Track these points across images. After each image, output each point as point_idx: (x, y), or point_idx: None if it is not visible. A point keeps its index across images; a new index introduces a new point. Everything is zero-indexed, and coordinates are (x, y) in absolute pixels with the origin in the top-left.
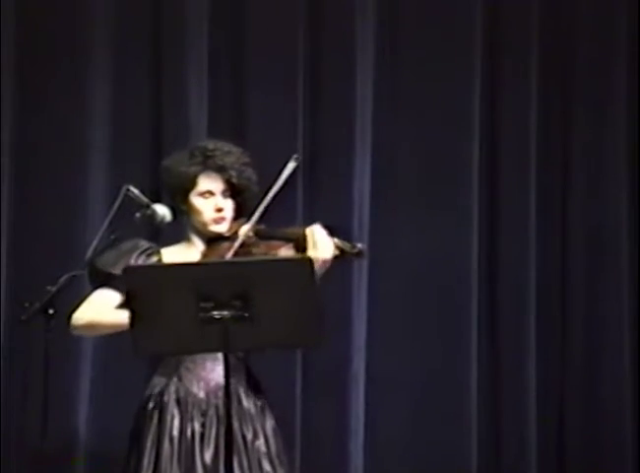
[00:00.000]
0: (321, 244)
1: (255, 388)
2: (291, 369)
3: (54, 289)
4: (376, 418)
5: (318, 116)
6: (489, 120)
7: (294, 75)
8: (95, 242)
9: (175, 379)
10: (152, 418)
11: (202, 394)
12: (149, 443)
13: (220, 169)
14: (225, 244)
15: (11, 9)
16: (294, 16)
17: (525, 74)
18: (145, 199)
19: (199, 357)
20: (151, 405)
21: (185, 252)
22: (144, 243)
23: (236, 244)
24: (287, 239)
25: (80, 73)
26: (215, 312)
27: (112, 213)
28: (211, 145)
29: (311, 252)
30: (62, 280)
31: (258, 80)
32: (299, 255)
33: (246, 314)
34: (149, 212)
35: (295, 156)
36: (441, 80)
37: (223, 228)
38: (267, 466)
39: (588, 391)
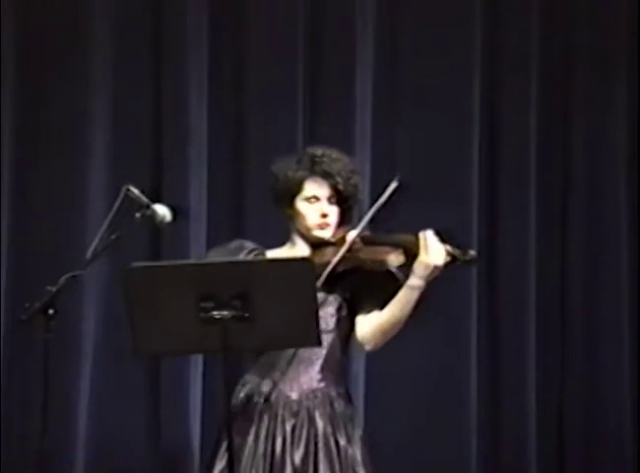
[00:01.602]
0: (433, 250)
1: (346, 394)
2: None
3: (54, 289)
4: (376, 418)
5: (318, 116)
6: (489, 120)
7: (294, 75)
8: (95, 243)
9: (268, 380)
10: (238, 415)
11: (295, 396)
12: (225, 439)
13: (326, 175)
14: (330, 250)
15: (11, 9)
16: (294, 16)
17: (525, 74)
18: (145, 199)
19: (294, 359)
20: (240, 403)
21: (290, 255)
22: (250, 244)
23: (343, 249)
24: (396, 245)
25: (80, 73)
26: (215, 312)
27: (112, 213)
28: (319, 151)
29: (423, 257)
30: (62, 280)
31: (258, 80)
32: (299, 256)
33: (246, 314)
34: (149, 212)
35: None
36: (441, 80)
37: (327, 233)
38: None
39: (587, 391)
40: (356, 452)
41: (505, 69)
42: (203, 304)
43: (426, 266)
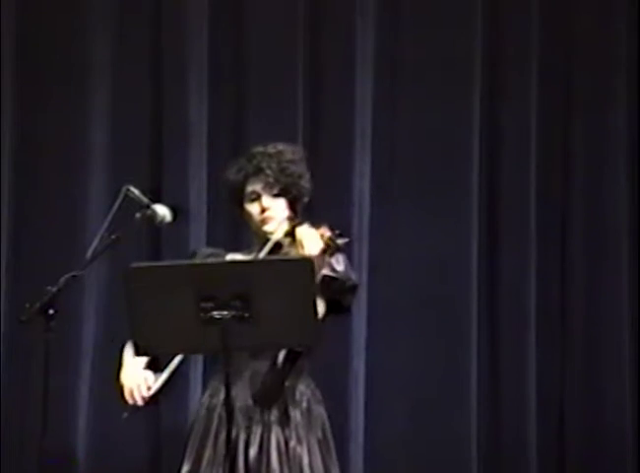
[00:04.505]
0: (306, 242)
1: (305, 395)
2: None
3: (54, 289)
4: (376, 418)
5: (318, 116)
6: (490, 122)
7: (294, 76)
8: (95, 242)
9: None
10: (200, 419)
11: (249, 401)
12: (191, 443)
13: (258, 171)
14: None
15: (11, 9)
16: (294, 16)
17: (525, 74)
18: (145, 199)
19: (250, 364)
20: (201, 406)
21: (245, 258)
22: (205, 250)
23: (269, 244)
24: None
25: (80, 73)
26: (215, 312)
27: (112, 213)
28: (257, 148)
29: (300, 250)
30: (62, 280)
31: (258, 80)
32: (300, 256)
33: (246, 314)
34: (149, 212)
35: None
36: (441, 81)
37: (273, 227)
38: None
39: (588, 391)
40: (304, 454)
41: (505, 70)
42: (203, 305)
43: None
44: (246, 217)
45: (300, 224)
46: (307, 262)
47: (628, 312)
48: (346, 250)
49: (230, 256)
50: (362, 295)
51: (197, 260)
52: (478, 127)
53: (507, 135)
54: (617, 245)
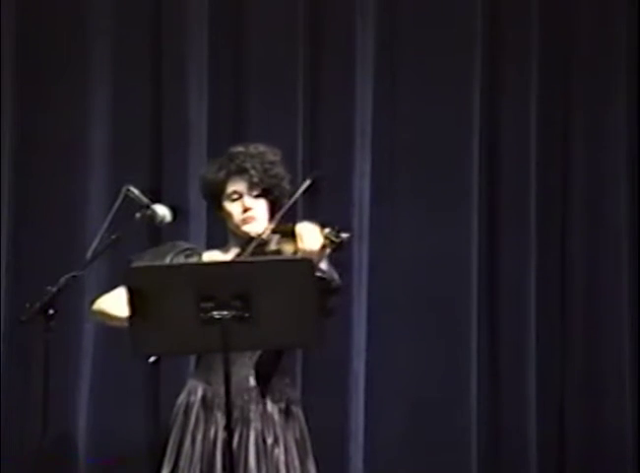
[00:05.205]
0: (306, 238)
1: (285, 394)
2: (292, 369)
3: (54, 289)
4: (376, 418)
5: (318, 116)
6: (490, 121)
7: (294, 75)
8: (95, 243)
9: (204, 382)
10: (177, 418)
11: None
12: (171, 442)
13: (241, 171)
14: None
15: (11, 9)
16: (294, 16)
17: (525, 73)
18: (145, 199)
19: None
20: (179, 405)
21: (223, 256)
22: (182, 244)
23: (253, 244)
24: (285, 234)
25: (80, 73)
26: (215, 312)
27: (112, 213)
28: (238, 148)
29: (300, 245)
30: (62, 280)
31: (258, 80)
32: (299, 256)
33: (246, 314)
34: (149, 212)
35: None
36: (441, 80)
37: (254, 227)
38: None
39: (588, 389)
40: (280, 453)
41: (505, 69)
42: (203, 305)
43: (303, 252)
44: (225, 216)
45: (294, 223)
46: (307, 262)
47: (628, 312)
48: (347, 246)
49: (207, 254)
50: (362, 295)
51: (173, 253)
52: (478, 127)
53: (507, 135)
54: (617, 245)
